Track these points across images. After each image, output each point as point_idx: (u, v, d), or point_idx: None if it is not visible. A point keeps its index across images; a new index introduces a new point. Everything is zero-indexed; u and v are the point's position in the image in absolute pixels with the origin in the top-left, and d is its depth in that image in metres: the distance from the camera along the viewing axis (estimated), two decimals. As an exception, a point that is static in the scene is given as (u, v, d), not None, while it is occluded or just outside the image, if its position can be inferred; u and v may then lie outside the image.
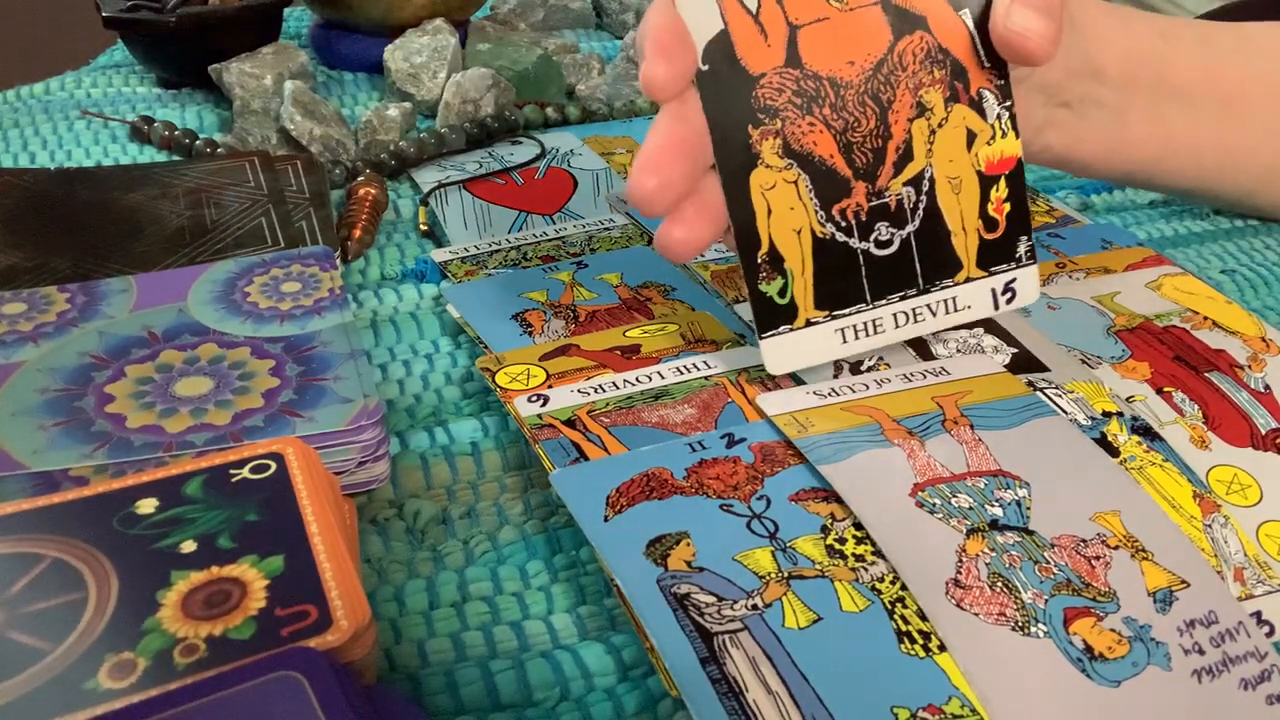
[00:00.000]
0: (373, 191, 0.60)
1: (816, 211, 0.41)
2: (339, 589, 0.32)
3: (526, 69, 0.73)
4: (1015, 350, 0.47)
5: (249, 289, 0.49)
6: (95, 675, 0.30)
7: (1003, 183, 0.43)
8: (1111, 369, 0.46)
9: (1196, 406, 0.44)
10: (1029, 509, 0.38)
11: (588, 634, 0.37)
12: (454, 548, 0.40)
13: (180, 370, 0.44)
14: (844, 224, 0.42)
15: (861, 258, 0.42)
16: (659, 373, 0.46)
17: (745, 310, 0.51)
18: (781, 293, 0.42)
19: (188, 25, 0.72)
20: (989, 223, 0.43)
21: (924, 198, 0.42)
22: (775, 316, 0.42)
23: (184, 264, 0.52)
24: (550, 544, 0.41)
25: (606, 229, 0.59)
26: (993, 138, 0.43)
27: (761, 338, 0.43)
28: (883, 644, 0.34)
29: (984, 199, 0.43)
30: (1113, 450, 0.42)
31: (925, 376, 0.44)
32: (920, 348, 0.47)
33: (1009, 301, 0.44)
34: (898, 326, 0.43)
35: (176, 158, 0.67)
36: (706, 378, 0.45)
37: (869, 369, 0.45)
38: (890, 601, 0.35)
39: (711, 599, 0.35)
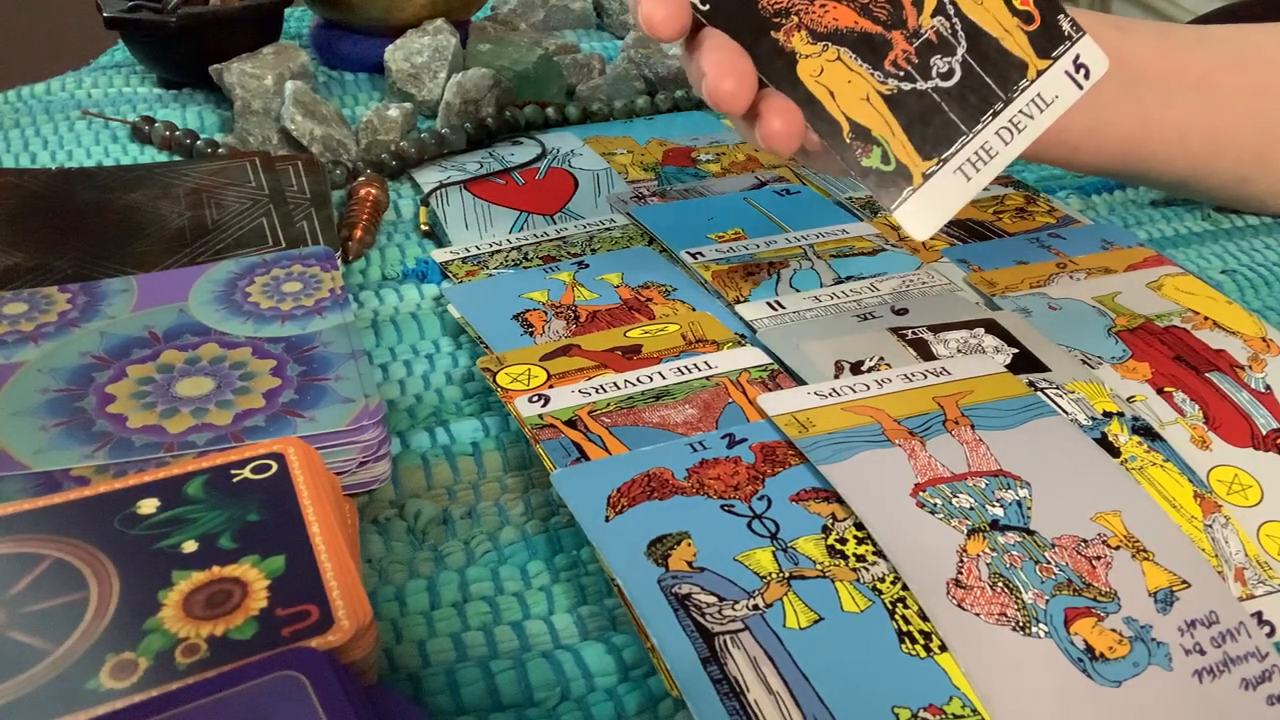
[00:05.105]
0: (373, 192, 0.60)
1: (872, 73, 0.43)
2: (340, 589, 0.32)
3: (527, 69, 0.73)
4: (1016, 350, 0.47)
5: (250, 289, 0.49)
6: (97, 675, 0.30)
7: None
8: (1112, 369, 0.46)
9: (1197, 407, 0.44)
10: (1030, 509, 0.38)
11: (588, 634, 0.37)
12: (455, 548, 0.40)
13: (181, 370, 0.44)
14: (902, 73, 0.43)
15: (936, 95, 0.43)
16: (660, 373, 0.46)
17: (746, 310, 0.51)
18: (885, 159, 0.42)
19: (188, 25, 0.72)
20: (1024, 16, 0.44)
21: (956, 19, 0.43)
22: (893, 185, 0.43)
23: (185, 264, 0.52)
24: (551, 544, 0.41)
25: (607, 229, 0.59)
26: None
27: (893, 211, 0.43)
28: (884, 644, 0.34)
29: None
30: (1113, 450, 0.42)
31: (926, 377, 0.44)
32: (921, 348, 0.47)
33: (1085, 76, 0.44)
34: (1008, 143, 0.44)
35: (177, 158, 0.67)
36: (707, 378, 0.45)
37: (870, 369, 0.46)
38: (891, 602, 0.35)
39: (712, 599, 0.35)
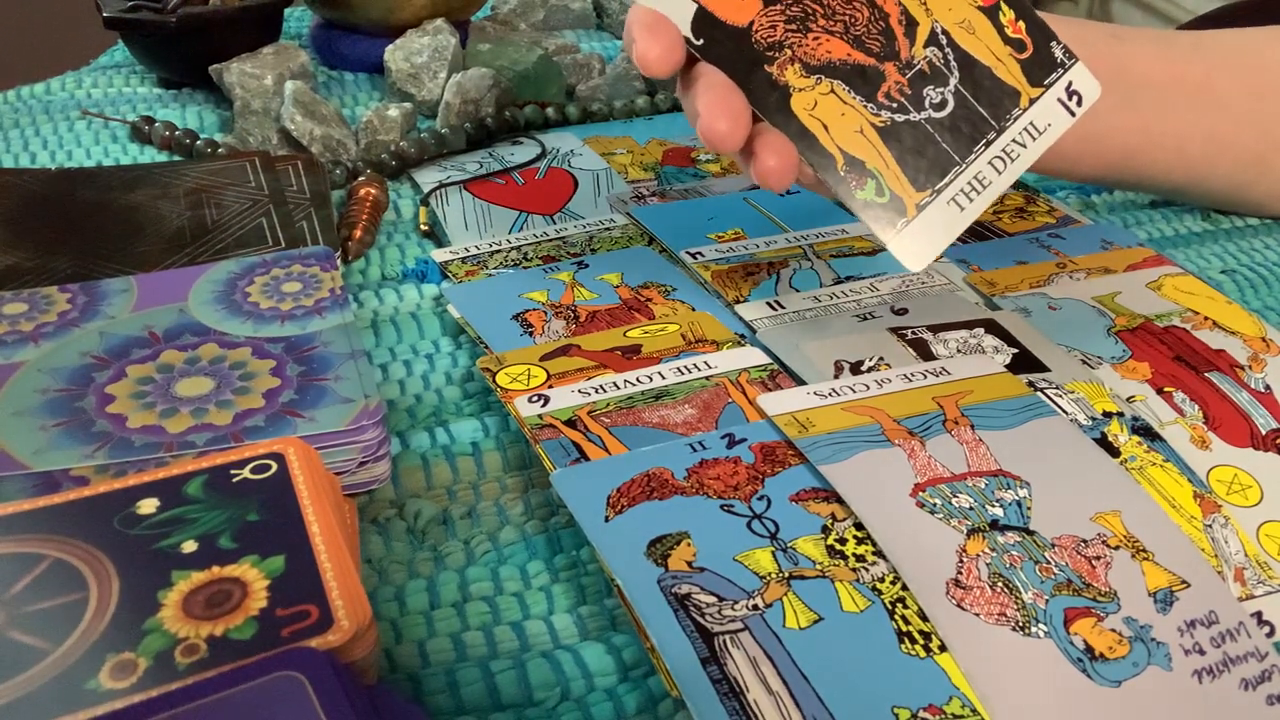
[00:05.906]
0: (373, 192, 0.60)
1: (865, 105, 0.43)
2: (340, 589, 0.32)
3: (527, 69, 0.73)
4: (1015, 350, 0.47)
5: (250, 289, 0.49)
6: (96, 675, 0.30)
7: (1004, 6, 0.44)
8: (1112, 369, 0.46)
9: (1197, 407, 0.44)
10: (1029, 509, 0.38)
11: (588, 634, 0.37)
12: (454, 548, 0.40)
13: (181, 370, 0.44)
14: (895, 104, 0.43)
15: (929, 125, 0.43)
16: (659, 373, 0.46)
17: (746, 310, 0.51)
18: (879, 192, 0.42)
19: (188, 25, 0.72)
20: (1016, 45, 0.44)
21: (948, 49, 0.43)
22: (887, 217, 0.43)
23: (185, 264, 0.52)
24: (551, 544, 0.41)
25: (607, 229, 0.59)
26: None
27: (889, 243, 0.43)
28: (883, 644, 0.34)
29: (998, 27, 0.44)
30: (1113, 450, 0.42)
31: (926, 376, 0.44)
32: (920, 348, 0.47)
33: (1078, 103, 0.45)
34: (1001, 172, 0.44)
35: (177, 158, 0.67)
36: (707, 378, 0.45)
37: (870, 369, 0.46)
38: (891, 602, 0.35)
39: (712, 599, 0.35)
